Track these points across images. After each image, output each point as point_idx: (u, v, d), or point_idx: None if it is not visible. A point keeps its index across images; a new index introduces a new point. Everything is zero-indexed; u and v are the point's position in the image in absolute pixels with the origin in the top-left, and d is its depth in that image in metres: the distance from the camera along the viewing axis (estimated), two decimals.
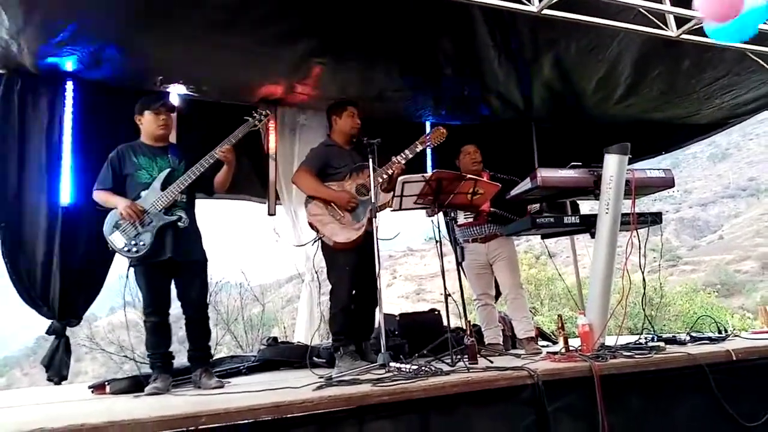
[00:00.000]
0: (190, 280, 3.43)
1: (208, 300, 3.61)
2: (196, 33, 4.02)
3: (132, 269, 3.36)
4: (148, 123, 3.49)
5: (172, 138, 3.82)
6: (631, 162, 3.76)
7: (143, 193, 3.36)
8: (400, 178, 3.53)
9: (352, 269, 3.72)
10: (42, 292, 4.11)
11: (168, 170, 3.42)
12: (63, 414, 2.61)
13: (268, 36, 4.09)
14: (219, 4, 3.70)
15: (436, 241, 3.66)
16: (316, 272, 5.07)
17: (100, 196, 3.43)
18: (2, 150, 4.12)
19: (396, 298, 31.62)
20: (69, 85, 4.34)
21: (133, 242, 3.28)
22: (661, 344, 3.62)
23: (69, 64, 4.23)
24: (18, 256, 4.09)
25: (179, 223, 3.35)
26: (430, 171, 4.63)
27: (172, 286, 3.44)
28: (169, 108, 3.59)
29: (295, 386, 2.78)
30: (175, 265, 3.36)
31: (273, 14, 3.85)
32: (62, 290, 4.12)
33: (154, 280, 3.34)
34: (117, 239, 3.30)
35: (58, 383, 4.14)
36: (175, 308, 3.49)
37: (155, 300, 3.35)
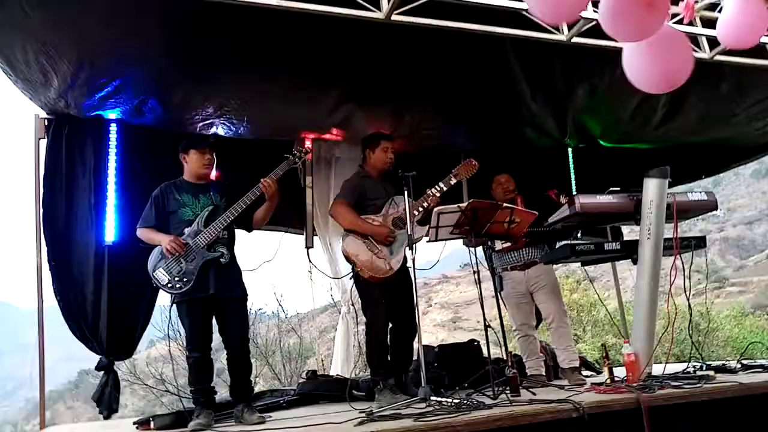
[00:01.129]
0: (232, 316, 3.47)
1: (249, 334, 3.66)
2: (236, 85, 4.19)
3: (175, 306, 3.43)
4: (192, 162, 3.58)
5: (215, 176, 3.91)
6: (671, 186, 3.69)
7: (186, 230, 3.43)
8: (435, 209, 3.54)
9: (388, 303, 3.72)
10: (92, 327, 4.21)
11: (211, 207, 3.50)
12: None
13: (303, 82, 4.22)
14: (257, 56, 3.83)
15: (474, 272, 3.63)
16: (353, 304, 5.08)
17: (143, 234, 3.52)
18: (51, 191, 4.27)
19: (432, 326, 31.30)
20: (113, 128, 4.49)
21: (176, 278, 3.35)
22: (711, 373, 3.50)
23: (113, 115, 4.44)
24: (68, 293, 4.20)
25: (221, 260, 3.42)
26: (465, 201, 4.63)
27: (214, 321, 3.50)
28: (212, 147, 3.69)
29: (336, 422, 2.78)
30: (218, 301, 3.42)
31: (308, 61, 3.96)
32: (110, 326, 4.21)
33: (197, 317, 3.40)
34: (161, 275, 3.38)
35: (107, 417, 4.21)
36: (215, 341, 3.53)
37: (198, 336, 3.40)
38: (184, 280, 3.34)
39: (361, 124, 4.87)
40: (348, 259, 3.80)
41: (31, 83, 3.90)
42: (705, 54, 3.92)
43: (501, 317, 3.67)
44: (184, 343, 3.52)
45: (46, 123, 4.36)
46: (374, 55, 3.95)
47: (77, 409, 27.59)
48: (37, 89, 3.98)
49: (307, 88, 4.33)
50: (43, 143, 4.33)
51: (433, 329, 31.09)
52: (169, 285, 3.36)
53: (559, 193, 4.23)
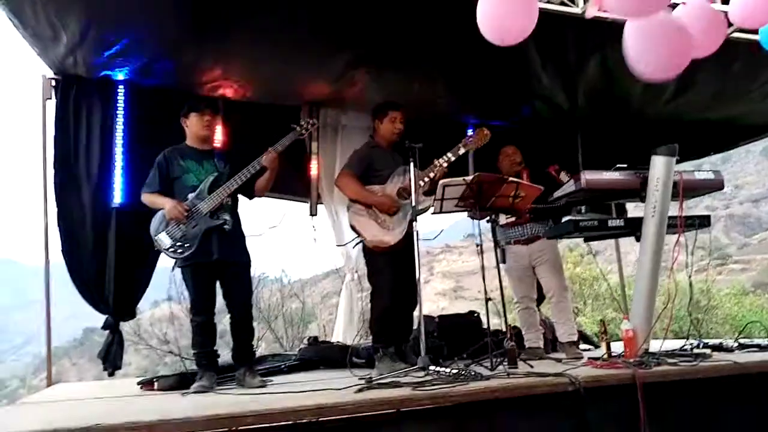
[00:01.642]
0: (236, 281, 3.51)
1: (252, 299, 3.71)
2: (245, 46, 4.13)
3: (180, 270, 3.47)
4: (193, 125, 3.58)
5: (220, 142, 3.90)
6: (679, 162, 3.67)
7: (190, 196, 3.45)
8: (441, 182, 3.54)
9: (393, 271, 3.75)
10: (98, 288, 4.27)
11: (215, 174, 3.51)
12: (115, 410, 2.72)
13: (312, 46, 4.16)
14: (267, 17, 3.77)
15: (477, 245, 3.65)
16: (357, 273, 5.12)
17: (147, 199, 3.54)
18: (60, 152, 4.29)
19: (434, 295, 31.58)
20: (121, 90, 4.48)
21: (179, 243, 3.38)
22: (708, 351, 3.55)
23: (121, 75, 4.41)
24: (75, 254, 4.26)
25: (225, 226, 3.44)
26: (471, 173, 4.61)
27: (218, 286, 3.54)
28: (214, 109, 3.67)
29: (337, 388, 2.83)
30: (222, 266, 3.45)
31: (318, 26, 3.90)
32: (116, 287, 4.28)
33: (201, 281, 3.44)
34: (164, 239, 3.42)
35: (111, 374, 4.33)
36: (219, 305, 3.58)
37: (202, 300, 3.45)
38: (186, 245, 3.37)
39: (369, 92, 4.82)
40: (353, 228, 3.83)
41: (41, 38, 3.86)
42: None
43: (502, 289, 3.71)
44: (189, 306, 3.57)
45: (54, 83, 4.35)
46: (385, 22, 3.89)
47: (82, 366, 28.16)
48: (46, 44, 3.95)
49: (316, 53, 4.27)
50: (50, 104, 4.33)
51: (435, 298, 31.38)
52: (171, 249, 3.40)
53: (560, 169, 4.24)
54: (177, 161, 3.53)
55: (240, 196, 3.69)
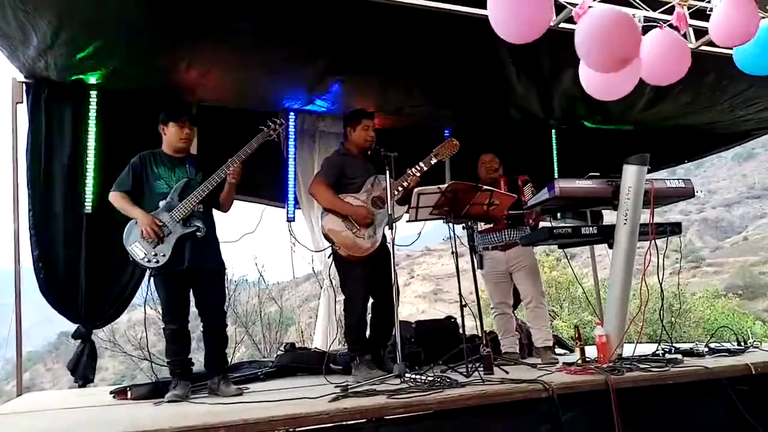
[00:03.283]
0: (208, 289, 3.48)
1: (226, 306, 3.67)
2: (221, 53, 4.11)
3: (152, 279, 3.43)
4: (171, 134, 3.53)
5: (193, 148, 3.87)
6: (653, 170, 3.73)
7: (161, 203, 3.41)
8: (416, 190, 3.55)
9: (367, 279, 3.75)
10: (69, 296, 4.22)
11: (185, 180, 3.47)
12: (87, 420, 2.68)
13: (290, 54, 4.14)
14: (242, 22, 3.75)
15: (453, 252, 3.65)
16: (331, 280, 5.10)
17: (117, 199, 3.46)
18: (31, 156, 4.23)
19: (413, 297, 31.68)
20: (93, 94, 4.42)
21: (153, 253, 3.34)
22: (679, 356, 3.59)
23: (93, 79, 4.35)
24: (46, 261, 4.19)
25: (197, 233, 3.41)
26: (448, 181, 4.63)
27: (192, 294, 3.50)
28: (192, 121, 3.63)
29: (312, 396, 2.82)
30: (193, 274, 3.42)
31: (294, 33, 3.89)
32: (88, 295, 4.22)
33: (173, 289, 3.40)
34: (136, 250, 3.36)
35: (82, 386, 4.23)
36: (193, 312, 3.55)
37: (174, 308, 3.41)
38: (161, 255, 3.33)
39: (345, 98, 4.82)
40: (327, 237, 3.80)
41: (9, 39, 3.78)
42: (691, 44, 3.94)
43: (478, 294, 3.73)
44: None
45: (25, 87, 4.28)
46: (361, 30, 3.89)
47: (57, 371, 27.57)
48: (16, 46, 3.87)
49: (292, 60, 4.26)
50: (21, 108, 4.26)
51: (415, 300, 31.48)
52: (146, 260, 3.35)
53: (528, 181, 4.32)
54: (151, 166, 3.49)
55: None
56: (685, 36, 3.72)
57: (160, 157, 3.54)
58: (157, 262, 3.33)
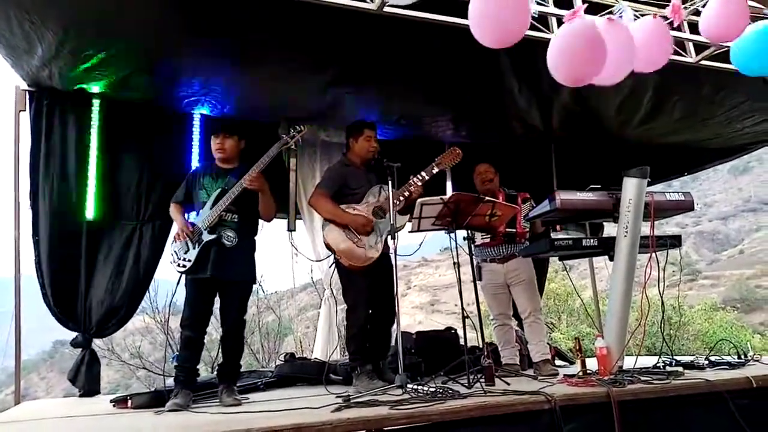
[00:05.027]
0: (231, 299, 3.55)
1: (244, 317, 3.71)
2: (226, 62, 4.12)
3: (183, 280, 3.55)
4: (212, 146, 3.69)
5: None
6: (652, 183, 3.75)
7: (201, 212, 3.55)
8: (419, 200, 3.56)
9: (368, 289, 3.76)
10: (69, 305, 4.21)
11: (219, 190, 3.55)
12: (89, 429, 2.66)
13: (293, 65, 4.15)
14: (247, 34, 3.76)
15: (454, 263, 3.66)
16: (332, 290, 5.10)
17: (171, 209, 3.69)
18: (34, 165, 4.24)
19: (410, 308, 31.60)
20: (96, 103, 4.43)
21: (180, 257, 3.48)
22: (680, 369, 3.60)
23: (96, 88, 4.36)
24: (47, 269, 4.17)
25: (225, 242, 3.45)
26: (449, 191, 4.64)
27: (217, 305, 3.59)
28: (227, 131, 3.68)
29: (314, 406, 2.82)
30: (218, 283, 3.49)
31: (298, 45, 3.90)
32: (88, 304, 4.21)
33: (196, 295, 3.48)
34: (171, 253, 3.55)
35: (84, 395, 4.18)
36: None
37: (194, 314, 3.47)
38: (186, 260, 3.46)
39: (348, 110, 4.84)
40: (328, 247, 3.81)
41: (14, 49, 3.79)
42: (691, 58, 3.99)
43: (478, 304, 3.73)
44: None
45: (28, 95, 4.29)
46: (366, 43, 3.91)
47: (51, 380, 27.43)
48: (20, 56, 3.88)
49: (296, 71, 4.27)
50: (24, 116, 4.27)
51: (412, 311, 31.40)
52: (175, 263, 3.51)
53: (529, 199, 4.34)
54: (198, 177, 3.66)
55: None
56: (679, 28, 3.71)
57: (211, 168, 3.69)
58: (184, 266, 3.46)
